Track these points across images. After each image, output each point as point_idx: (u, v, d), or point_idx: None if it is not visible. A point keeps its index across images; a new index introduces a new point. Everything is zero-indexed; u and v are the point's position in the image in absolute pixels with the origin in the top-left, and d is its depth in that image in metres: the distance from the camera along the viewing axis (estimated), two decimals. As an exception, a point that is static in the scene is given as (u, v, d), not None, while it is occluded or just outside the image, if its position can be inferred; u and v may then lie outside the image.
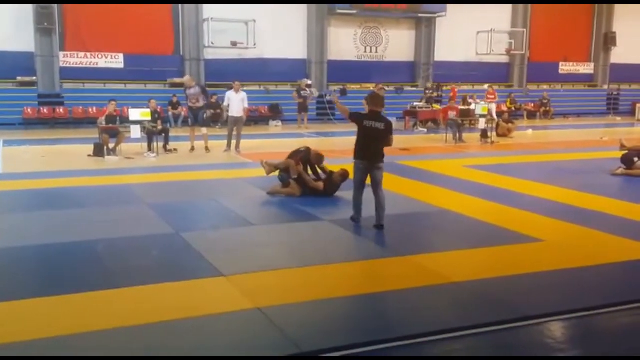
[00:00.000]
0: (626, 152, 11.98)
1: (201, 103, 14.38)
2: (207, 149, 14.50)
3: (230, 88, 14.76)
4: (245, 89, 14.85)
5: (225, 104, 14.77)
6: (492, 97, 22.64)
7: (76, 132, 18.88)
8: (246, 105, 14.62)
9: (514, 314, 5.04)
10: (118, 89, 20.98)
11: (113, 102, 14.54)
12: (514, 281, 5.88)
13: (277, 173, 10.02)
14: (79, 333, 4.60)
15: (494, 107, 22.05)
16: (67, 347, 4.40)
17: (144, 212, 8.55)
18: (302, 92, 21.66)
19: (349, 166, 8.34)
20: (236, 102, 14.38)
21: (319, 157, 10.03)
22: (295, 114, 22.04)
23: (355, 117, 7.93)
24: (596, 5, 28.89)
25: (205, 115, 14.52)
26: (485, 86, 26.02)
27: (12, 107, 19.80)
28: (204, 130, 14.54)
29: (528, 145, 17.25)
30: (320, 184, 9.71)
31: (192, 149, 14.59)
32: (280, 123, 22.34)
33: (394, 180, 11.21)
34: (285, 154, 10.26)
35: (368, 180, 7.82)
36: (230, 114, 14.55)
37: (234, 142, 14.58)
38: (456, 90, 23.71)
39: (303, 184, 9.69)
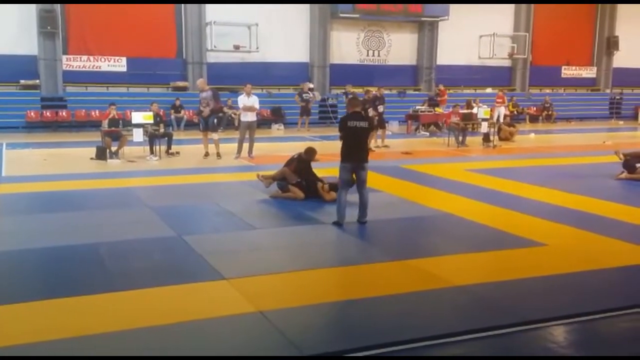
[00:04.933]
0: (628, 157, 11.94)
1: (210, 107, 14.02)
2: (218, 154, 14.02)
3: (233, 91, 14.45)
4: (248, 92, 14.68)
5: (240, 105, 14.14)
6: (501, 101, 22.64)
7: (79, 136, 18.93)
8: (257, 107, 14.23)
9: (516, 318, 5.03)
10: (121, 92, 21.04)
11: (113, 106, 14.52)
12: (516, 285, 5.87)
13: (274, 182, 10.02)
14: (82, 336, 4.60)
15: (502, 110, 22.06)
16: (70, 349, 4.40)
17: (146, 215, 8.56)
18: (304, 95, 21.66)
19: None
20: (249, 105, 13.95)
21: (311, 152, 9.99)
22: (298, 117, 22.07)
23: (340, 126, 8.19)
24: (599, 9, 28.89)
25: (215, 120, 14.09)
26: (488, 90, 26.07)
27: (15, 111, 19.85)
28: (215, 135, 14.15)
29: (530, 149, 17.24)
30: (321, 184, 9.67)
31: (206, 154, 14.17)
32: (282, 126, 22.36)
33: (396, 183, 11.23)
34: (284, 158, 10.29)
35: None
36: (243, 119, 14.05)
37: (245, 146, 14.16)
38: (446, 92, 23.70)
39: (305, 186, 9.68)
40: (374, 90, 16.79)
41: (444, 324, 4.97)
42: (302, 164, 9.91)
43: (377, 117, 15.92)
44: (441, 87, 23.90)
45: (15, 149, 15.59)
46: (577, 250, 7.09)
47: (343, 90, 23.16)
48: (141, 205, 9.21)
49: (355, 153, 7.99)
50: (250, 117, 14.01)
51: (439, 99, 23.56)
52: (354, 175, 8.15)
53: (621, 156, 12.02)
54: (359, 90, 23.31)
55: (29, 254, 6.69)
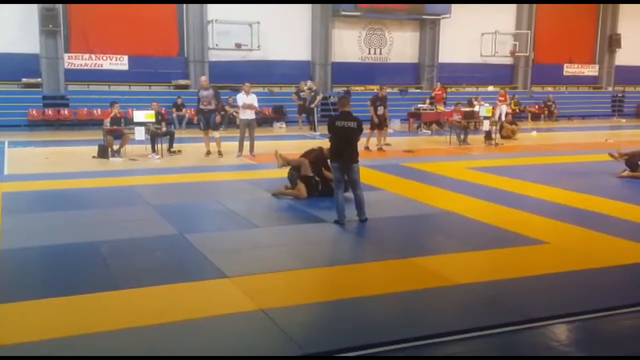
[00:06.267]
0: (626, 157, 11.95)
1: (212, 106, 13.98)
2: (219, 153, 14.03)
3: (235, 90, 14.47)
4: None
5: (239, 103, 14.24)
6: (503, 99, 22.60)
7: (81, 134, 18.94)
8: (256, 105, 14.35)
9: (517, 316, 5.03)
10: (122, 90, 21.05)
11: (115, 104, 14.52)
12: (517, 283, 5.87)
13: (286, 171, 9.97)
14: (84, 334, 4.61)
15: (504, 109, 22.02)
16: (72, 347, 4.41)
17: (147, 213, 8.57)
18: (301, 94, 21.61)
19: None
20: (248, 103, 14.03)
21: None
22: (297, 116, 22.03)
23: (328, 126, 8.19)
24: (601, 7, 28.83)
25: (216, 118, 14.08)
26: (490, 88, 26.03)
27: (17, 109, 19.86)
28: (217, 134, 14.14)
29: (532, 147, 17.22)
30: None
31: (208, 152, 14.16)
32: (284, 124, 22.34)
33: (398, 182, 11.22)
34: (293, 155, 10.27)
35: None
36: (242, 117, 14.14)
37: (246, 144, 14.22)
38: (444, 91, 23.52)
39: (313, 185, 9.64)
40: (382, 88, 16.51)
41: (447, 322, 4.97)
42: (321, 157, 9.79)
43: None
44: (438, 85, 23.78)
45: (17, 147, 15.61)
46: (579, 248, 7.09)
47: (345, 89, 23.14)
48: (143, 203, 9.22)
49: (343, 153, 7.95)
50: (249, 115, 14.07)
51: (433, 94, 23.44)
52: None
53: (616, 155, 12.07)
54: (359, 89, 23.47)
55: (30, 252, 6.70)
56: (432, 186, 11.00)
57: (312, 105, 20.75)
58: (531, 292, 5.65)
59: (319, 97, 20.98)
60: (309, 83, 21.75)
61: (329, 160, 8.12)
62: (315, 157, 9.84)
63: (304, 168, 9.65)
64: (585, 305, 5.28)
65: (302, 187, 9.60)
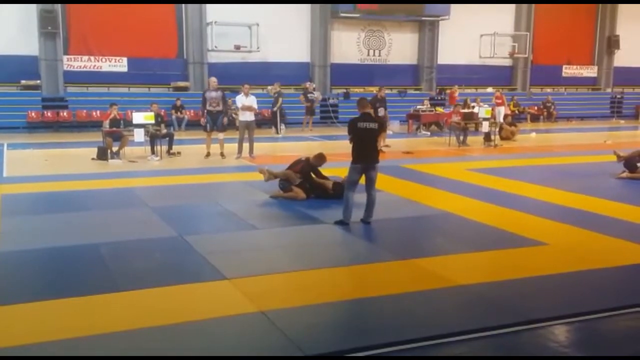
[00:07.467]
0: (623, 159, 11.96)
1: (220, 107, 14.03)
2: (222, 154, 14.09)
3: (234, 91, 14.49)
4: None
5: (239, 105, 14.28)
6: (500, 101, 22.57)
7: (80, 136, 18.93)
8: (255, 107, 14.39)
9: (518, 317, 5.03)
10: (122, 92, 21.05)
11: (114, 106, 14.53)
12: (518, 284, 5.86)
13: (275, 180, 10.01)
14: (83, 336, 4.60)
15: (502, 110, 21.97)
16: (72, 350, 4.40)
17: (147, 215, 8.56)
18: (309, 95, 21.61)
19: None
20: (248, 105, 14.09)
21: (320, 158, 9.99)
22: (298, 117, 22.01)
23: (350, 128, 8.13)
24: (599, 8, 28.88)
25: (225, 120, 14.14)
26: (489, 89, 26.05)
27: (16, 111, 19.88)
28: (221, 135, 14.16)
29: (531, 149, 17.23)
30: (329, 182, 9.72)
31: (208, 154, 14.18)
32: (284, 126, 22.32)
33: (398, 183, 11.22)
34: (293, 157, 10.27)
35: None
36: (241, 119, 14.20)
37: (245, 146, 14.27)
38: (456, 94, 23.55)
39: (308, 188, 9.66)
40: (381, 89, 16.49)
41: (447, 323, 4.96)
42: (308, 168, 9.88)
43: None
44: (455, 87, 23.73)
45: (16, 149, 15.60)
46: (579, 249, 7.09)
47: (344, 91, 23.17)
48: (142, 205, 9.21)
49: (367, 154, 7.99)
50: (249, 116, 14.14)
51: (456, 94, 23.41)
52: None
53: (621, 154, 12.08)
54: (359, 91, 23.47)
55: (30, 254, 6.68)
56: (432, 187, 11.00)
57: (275, 108, 20.70)
58: (532, 293, 5.65)
59: (281, 100, 20.92)
60: (275, 85, 21.69)
61: (351, 163, 8.08)
62: (301, 168, 9.88)
63: (291, 179, 9.72)
64: (585, 306, 5.27)
65: (299, 190, 9.62)
